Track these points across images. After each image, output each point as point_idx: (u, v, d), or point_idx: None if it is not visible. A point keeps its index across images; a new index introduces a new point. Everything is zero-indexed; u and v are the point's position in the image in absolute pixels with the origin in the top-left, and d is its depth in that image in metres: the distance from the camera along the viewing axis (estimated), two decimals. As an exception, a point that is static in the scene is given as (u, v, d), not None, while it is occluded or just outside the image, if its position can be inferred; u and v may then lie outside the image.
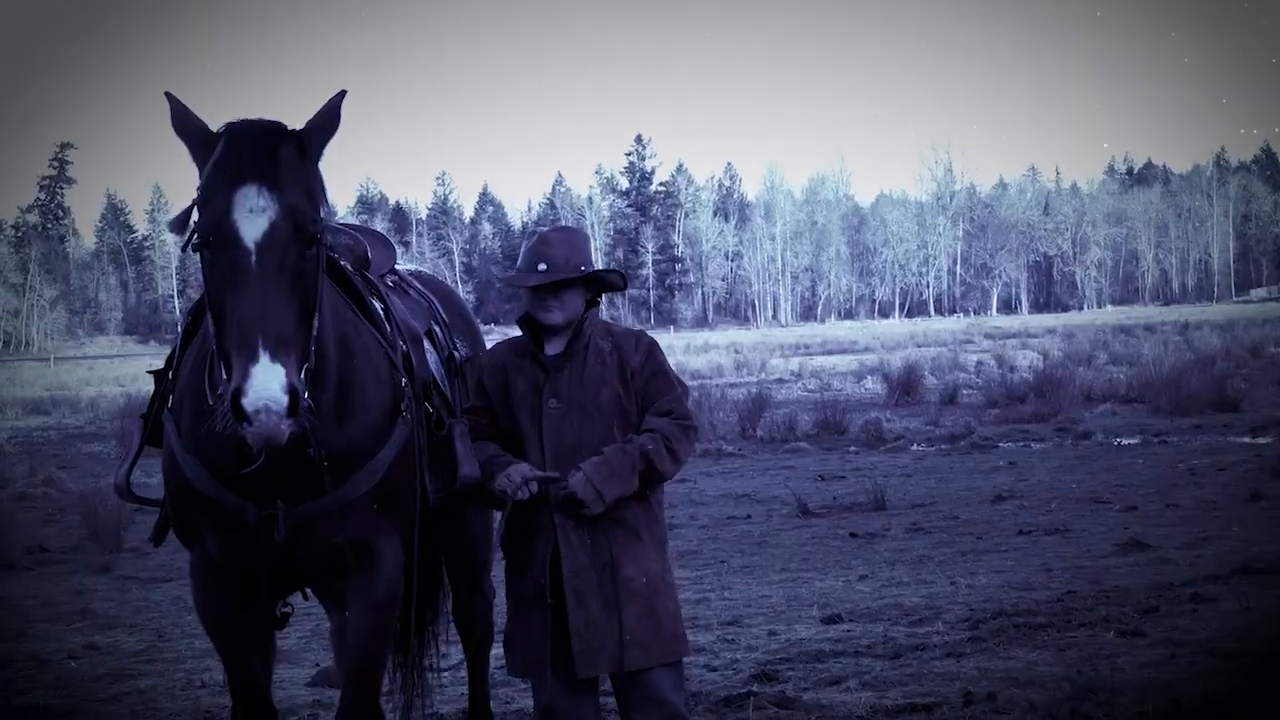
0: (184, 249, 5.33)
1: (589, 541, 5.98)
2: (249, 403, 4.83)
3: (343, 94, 5.48)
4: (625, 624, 5.95)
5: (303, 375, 5.07)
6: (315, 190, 5.29)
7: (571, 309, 6.14)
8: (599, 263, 6.24)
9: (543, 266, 6.06)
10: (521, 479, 5.94)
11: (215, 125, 5.38)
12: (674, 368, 6.35)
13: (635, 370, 6.15)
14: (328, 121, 5.43)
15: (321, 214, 5.29)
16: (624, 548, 6.01)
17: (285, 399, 4.86)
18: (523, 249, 6.19)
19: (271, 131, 5.29)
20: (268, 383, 4.84)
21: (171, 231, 5.50)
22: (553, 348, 6.18)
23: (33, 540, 17.29)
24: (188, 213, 5.29)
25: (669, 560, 6.27)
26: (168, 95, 5.37)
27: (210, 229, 5.11)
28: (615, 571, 5.97)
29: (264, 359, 4.87)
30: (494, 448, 6.16)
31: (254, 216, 5.06)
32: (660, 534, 6.24)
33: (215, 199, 5.14)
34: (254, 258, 5.02)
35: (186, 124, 5.35)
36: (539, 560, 6.03)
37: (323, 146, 5.42)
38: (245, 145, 5.20)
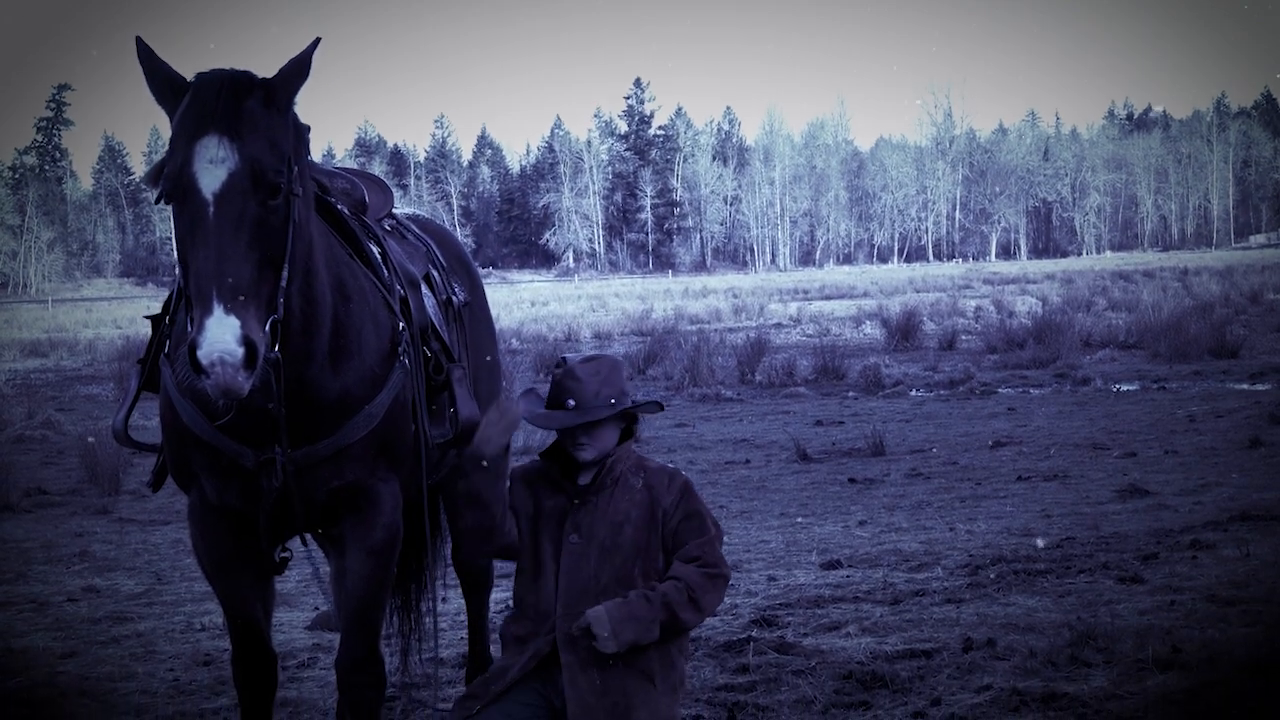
0: (156, 201, 5.26)
1: (598, 682, 5.67)
2: (203, 355, 4.76)
3: (316, 42, 5.40)
4: None
5: (267, 327, 4.99)
6: (281, 140, 5.17)
7: (604, 444, 5.86)
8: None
9: (571, 403, 5.79)
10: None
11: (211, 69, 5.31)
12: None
13: (668, 510, 5.84)
14: (298, 70, 5.31)
15: (292, 164, 5.18)
16: (635, 692, 5.70)
17: (240, 351, 4.78)
18: (551, 380, 5.93)
19: (236, 81, 5.18)
20: (221, 335, 4.77)
21: (145, 184, 5.44)
22: (583, 478, 5.90)
23: (31, 482, 17.30)
24: (163, 164, 5.22)
25: (679, 707, 5.94)
26: (138, 42, 5.27)
27: (172, 181, 5.05)
28: (626, 715, 5.65)
29: (218, 311, 4.80)
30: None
31: (212, 168, 4.98)
32: (674, 680, 5.87)
33: (177, 150, 5.07)
34: (211, 209, 4.95)
35: (157, 74, 5.26)
36: (555, 679, 5.78)
37: (292, 96, 5.31)
38: (209, 96, 5.10)
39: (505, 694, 5.76)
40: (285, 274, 5.10)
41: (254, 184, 5.01)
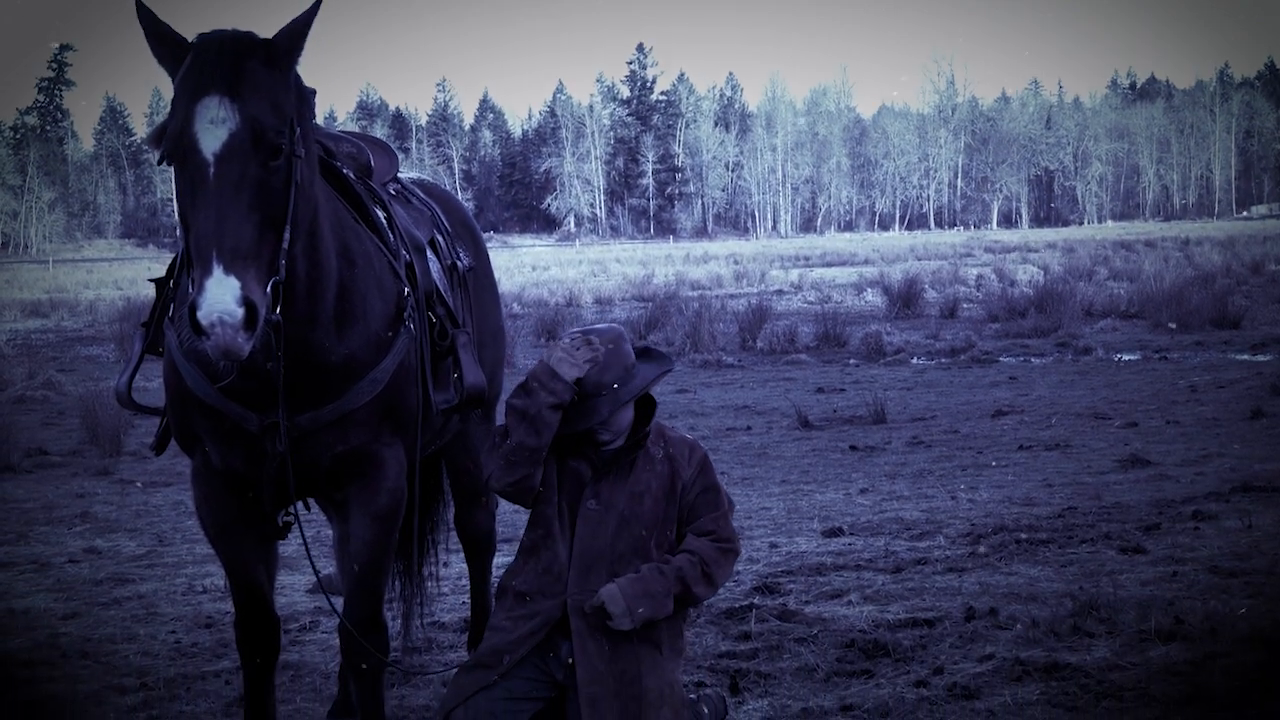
0: (159, 162, 5.23)
1: (607, 649, 5.66)
2: (203, 316, 4.74)
3: (318, 3, 5.36)
4: None
5: (268, 289, 4.96)
6: (283, 101, 5.13)
7: (619, 425, 5.80)
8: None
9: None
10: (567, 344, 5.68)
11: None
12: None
13: (687, 484, 5.84)
14: (300, 31, 5.27)
15: (294, 124, 5.14)
16: (644, 659, 5.69)
17: (240, 311, 4.75)
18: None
19: (238, 41, 5.14)
20: (220, 295, 4.74)
21: (147, 145, 5.40)
22: (606, 447, 5.84)
23: (32, 443, 17.31)
24: (165, 125, 5.19)
25: (680, 672, 5.96)
26: (139, 6, 5.23)
27: (173, 141, 5.03)
28: (635, 683, 5.65)
29: (217, 272, 4.77)
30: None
31: (213, 128, 4.95)
32: (680, 645, 5.92)
33: (178, 111, 5.04)
34: (212, 170, 4.92)
35: (159, 36, 5.23)
36: (556, 649, 5.76)
37: (295, 57, 5.26)
38: (210, 56, 5.07)
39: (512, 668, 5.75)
40: (287, 236, 5.07)
41: (255, 144, 4.97)
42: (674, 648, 5.83)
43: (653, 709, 5.65)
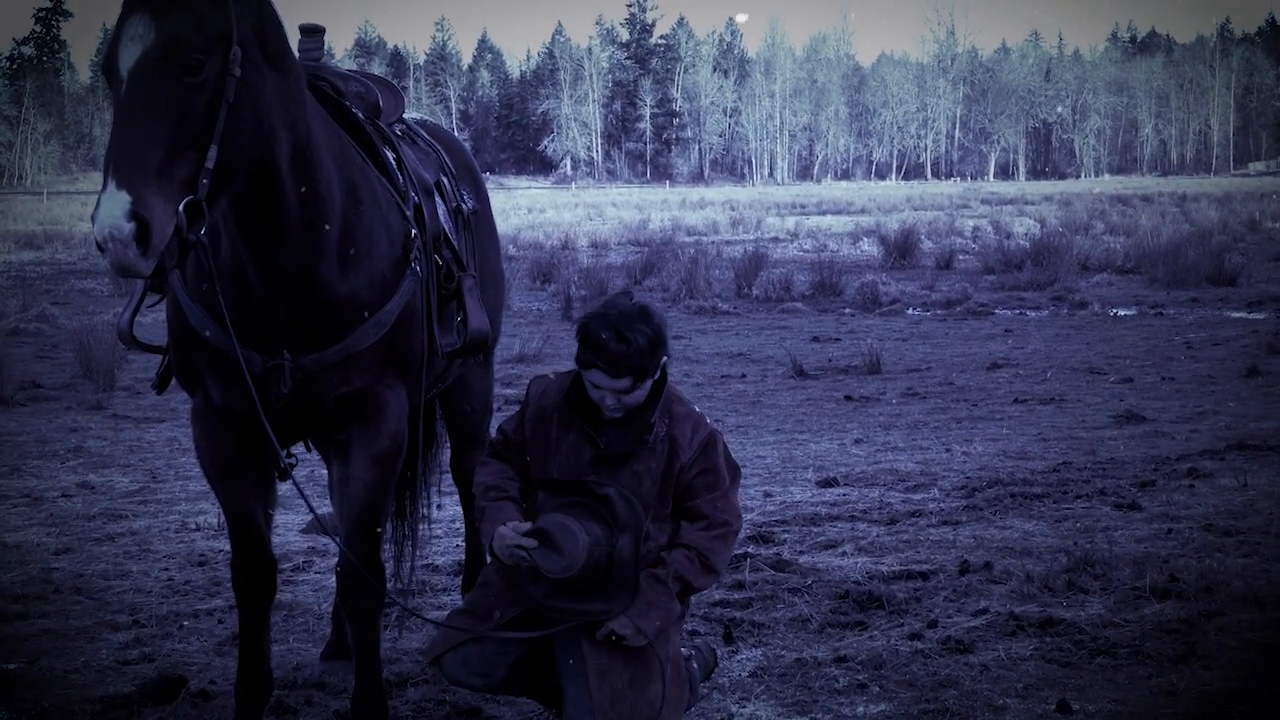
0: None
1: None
2: (95, 231, 4.67)
3: None
4: (651, 698, 5.61)
5: (183, 208, 4.78)
6: (212, 18, 4.95)
7: (635, 397, 5.64)
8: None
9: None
10: (507, 549, 5.56)
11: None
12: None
13: (685, 465, 5.70)
14: None
15: (231, 42, 4.97)
16: None
17: (128, 226, 4.63)
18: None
19: None
20: (110, 210, 4.64)
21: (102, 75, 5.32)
22: (610, 428, 5.71)
23: (25, 376, 17.28)
24: None
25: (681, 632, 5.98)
26: None
27: (102, 61, 4.98)
28: (644, 650, 5.62)
29: (110, 187, 4.67)
30: (509, 510, 5.73)
31: (131, 45, 4.85)
32: (683, 612, 5.91)
33: (113, 32, 5.00)
34: (124, 86, 4.83)
35: None
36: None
37: None
38: None
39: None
40: (212, 155, 4.92)
41: (167, 61, 4.83)
42: (678, 614, 5.84)
43: (661, 676, 5.64)
